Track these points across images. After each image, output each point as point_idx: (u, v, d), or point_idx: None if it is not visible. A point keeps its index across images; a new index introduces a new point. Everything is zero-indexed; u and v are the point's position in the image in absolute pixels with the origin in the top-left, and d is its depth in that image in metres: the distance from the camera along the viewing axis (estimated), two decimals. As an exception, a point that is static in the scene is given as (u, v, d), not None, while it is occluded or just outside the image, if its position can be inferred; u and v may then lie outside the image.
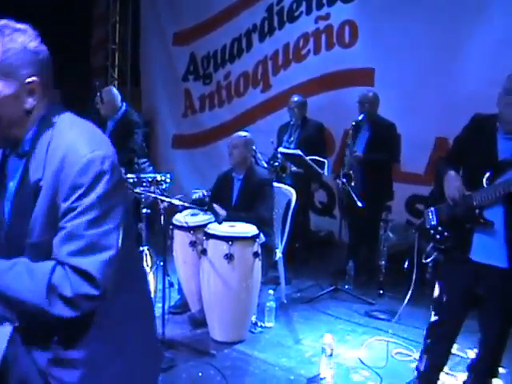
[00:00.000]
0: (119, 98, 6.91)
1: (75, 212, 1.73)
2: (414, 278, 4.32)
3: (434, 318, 3.90)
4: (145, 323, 2.12)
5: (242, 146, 5.53)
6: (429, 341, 3.93)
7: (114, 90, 6.98)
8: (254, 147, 5.94)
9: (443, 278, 3.89)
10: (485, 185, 3.49)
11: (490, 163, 3.48)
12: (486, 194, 3.45)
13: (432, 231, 3.80)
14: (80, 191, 1.73)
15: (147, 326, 2.14)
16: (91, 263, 1.73)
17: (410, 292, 4.38)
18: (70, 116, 1.90)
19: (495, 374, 3.86)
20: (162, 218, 5.03)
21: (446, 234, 3.71)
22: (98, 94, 6.04)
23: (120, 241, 1.82)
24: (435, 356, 3.94)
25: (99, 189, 1.75)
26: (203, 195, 5.58)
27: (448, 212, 3.70)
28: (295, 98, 7.07)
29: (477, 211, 3.51)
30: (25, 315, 1.78)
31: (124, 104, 6.98)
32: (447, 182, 3.64)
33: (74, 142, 1.77)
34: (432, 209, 3.84)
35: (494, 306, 3.65)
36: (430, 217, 3.83)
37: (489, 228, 3.48)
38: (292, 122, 7.02)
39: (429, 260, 3.91)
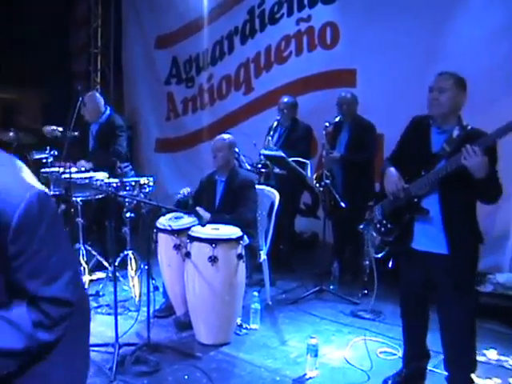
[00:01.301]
0: (102, 102, 6.92)
1: (28, 252, 1.78)
2: (375, 273, 4.52)
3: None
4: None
5: (226, 148, 5.54)
6: (404, 332, 4.22)
7: (97, 95, 6.99)
8: (236, 149, 5.95)
9: (399, 272, 4.11)
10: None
11: (425, 156, 3.79)
12: (421, 184, 3.74)
13: (378, 225, 4.06)
14: (27, 233, 1.77)
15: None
16: (59, 289, 1.83)
17: (375, 286, 4.60)
18: None
19: (473, 367, 3.93)
20: (146, 221, 5.03)
21: (389, 226, 3.97)
22: (80, 98, 6.02)
23: (73, 262, 1.93)
24: (412, 344, 4.19)
25: (43, 226, 1.80)
26: (187, 194, 5.59)
27: (390, 206, 3.97)
28: (285, 99, 6.99)
29: (415, 200, 3.78)
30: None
31: (108, 108, 6.98)
32: (386, 178, 3.95)
33: (7, 185, 1.78)
34: (378, 205, 4.11)
35: (444, 295, 3.83)
36: (377, 213, 4.10)
37: (425, 216, 3.76)
38: (280, 124, 6.94)
39: (380, 255, 4.10)
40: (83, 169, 6.54)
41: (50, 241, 1.83)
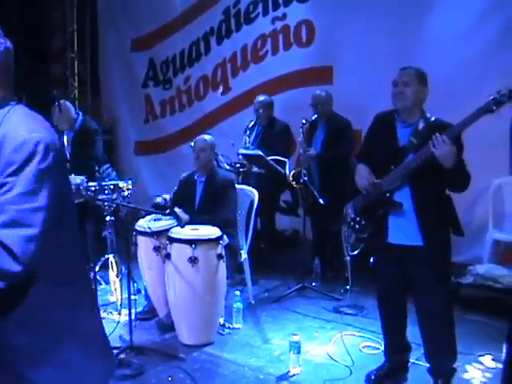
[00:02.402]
0: (73, 110, 6.84)
1: (6, 188, 1.78)
2: (349, 272, 4.93)
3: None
4: (86, 317, 2.11)
5: (208, 148, 5.55)
6: (383, 325, 4.30)
7: (68, 103, 6.89)
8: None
9: (375, 268, 4.17)
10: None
11: (393, 151, 3.84)
12: (391, 178, 3.79)
13: (352, 223, 4.09)
14: (12, 168, 1.78)
15: (88, 320, 2.13)
16: (11, 237, 1.75)
17: (349, 283, 5.10)
18: (21, 106, 1.99)
19: (453, 357, 3.96)
20: (125, 224, 5.02)
21: (363, 222, 4.01)
22: (56, 103, 5.98)
23: (47, 224, 1.83)
24: (393, 338, 4.25)
25: (30, 168, 1.80)
26: (164, 201, 5.57)
27: (362, 202, 4.02)
28: (260, 98, 6.95)
29: (387, 195, 3.82)
30: None
31: (80, 113, 6.91)
32: (357, 175, 3.99)
33: (15, 124, 1.86)
34: (350, 203, 4.13)
35: (420, 286, 3.88)
36: (349, 211, 4.13)
37: (399, 209, 3.80)
38: (257, 123, 6.92)
39: (356, 252, 4.14)
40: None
41: (30, 187, 1.79)
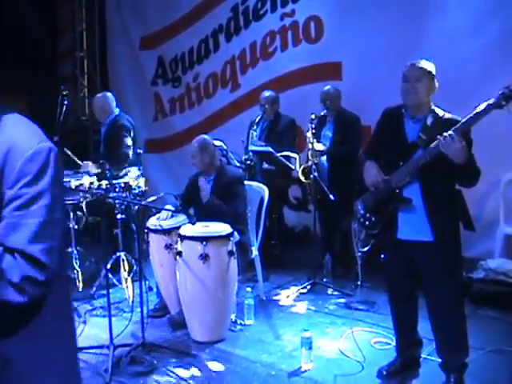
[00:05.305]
0: (112, 103, 6.77)
1: (21, 200, 1.75)
2: (359, 268, 5.10)
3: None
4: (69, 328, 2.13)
5: (198, 154, 5.51)
6: (394, 321, 4.31)
7: (107, 96, 6.79)
8: (224, 146, 5.94)
9: (386, 263, 4.18)
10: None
11: (402, 147, 3.83)
12: (400, 175, 3.79)
13: (362, 219, 4.08)
14: (26, 179, 1.75)
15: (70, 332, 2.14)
16: (39, 250, 1.74)
17: (360, 279, 5.19)
18: (15, 115, 1.92)
19: (465, 352, 3.96)
20: (136, 222, 5.03)
21: (373, 219, 4.00)
22: (66, 102, 5.95)
23: (62, 235, 1.85)
24: (404, 333, 4.27)
25: (46, 178, 1.78)
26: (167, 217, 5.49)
27: (372, 199, 4.01)
28: (266, 94, 6.95)
29: (397, 191, 3.82)
30: None
31: (118, 109, 6.83)
32: (365, 172, 3.98)
33: (19, 136, 1.81)
34: (359, 200, 4.12)
35: (431, 282, 3.88)
36: (359, 207, 4.12)
37: (408, 205, 3.80)
38: (263, 118, 6.91)
39: (366, 249, 4.20)
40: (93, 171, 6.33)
41: (48, 199, 1.77)
